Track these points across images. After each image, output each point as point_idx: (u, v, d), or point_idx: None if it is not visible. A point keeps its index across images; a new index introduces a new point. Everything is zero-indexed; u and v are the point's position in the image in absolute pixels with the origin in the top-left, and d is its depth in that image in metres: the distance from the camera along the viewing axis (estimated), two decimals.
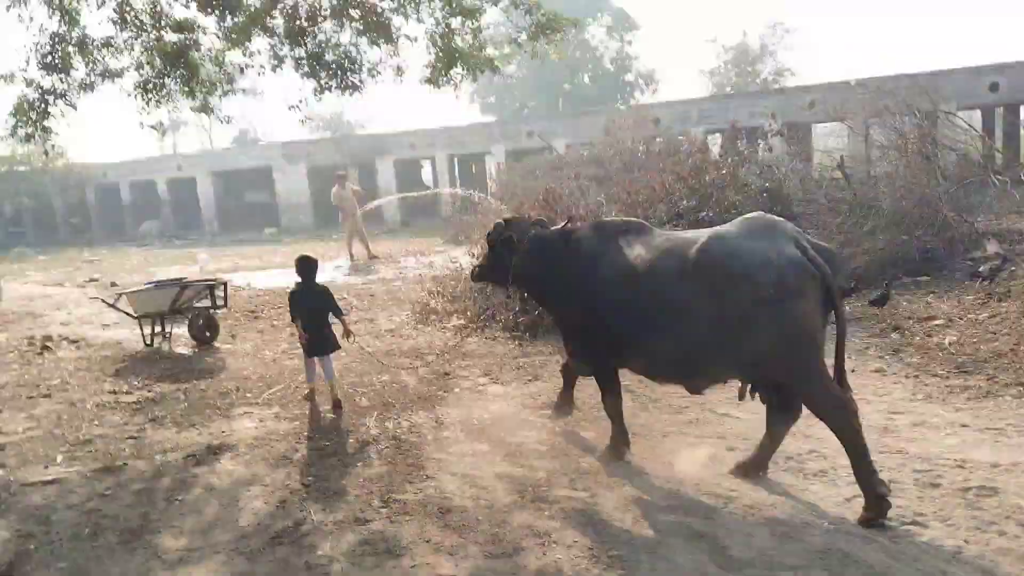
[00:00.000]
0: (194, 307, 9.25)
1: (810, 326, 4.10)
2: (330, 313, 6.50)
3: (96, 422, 6.47)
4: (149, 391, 7.34)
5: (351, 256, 18.07)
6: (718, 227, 4.48)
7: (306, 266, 6.54)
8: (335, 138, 33.85)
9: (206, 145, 47.92)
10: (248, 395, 7.18)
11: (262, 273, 16.26)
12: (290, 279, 15.73)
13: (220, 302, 9.21)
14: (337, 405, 6.43)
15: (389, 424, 6.08)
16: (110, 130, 49.85)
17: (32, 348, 9.08)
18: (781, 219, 4.38)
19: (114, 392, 7.30)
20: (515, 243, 5.29)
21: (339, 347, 6.58)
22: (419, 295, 11.57)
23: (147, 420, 6.50)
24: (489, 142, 27.16)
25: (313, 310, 6.45)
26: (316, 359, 6.53)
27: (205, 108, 9.35)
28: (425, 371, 7.67)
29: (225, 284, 9.28)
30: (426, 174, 33.31)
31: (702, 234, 4.41)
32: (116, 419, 6.53)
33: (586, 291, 4.84)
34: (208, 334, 9.12)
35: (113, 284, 15.13)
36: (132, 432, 6.20)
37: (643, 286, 4.48)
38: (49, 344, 9.22)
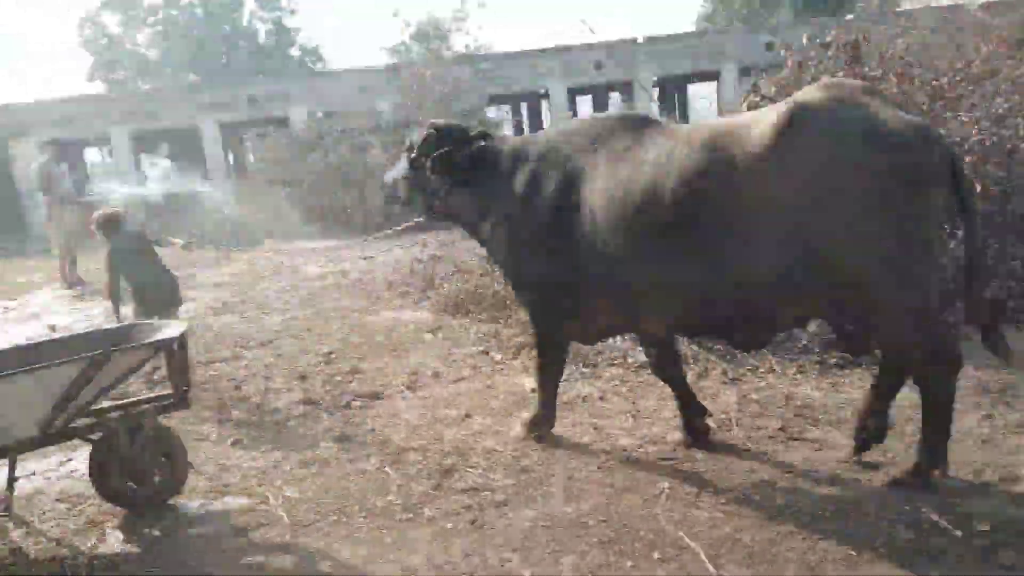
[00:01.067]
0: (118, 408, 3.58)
1: (933, 235, 2.99)
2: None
3: None
4: None
5: (67, 279, 11.21)
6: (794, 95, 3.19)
7: (110, 220, 5.49)
8: None
9: None
10: None
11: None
12: (60, 311, 8.95)
13: (183, 387, 3.66)
14: None
15: None
16: None
17: None
18: (869, 84, 3.36)
19: None
20: (451, 160, 4.01)
21: (182, 301, 5.84)
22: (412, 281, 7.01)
23: None
24: (199, 112, 20.37)
25: (143, 260, 5.44)
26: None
27: None
28: None
29: (183, 336, 3.70)
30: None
31: (775, 107, 3.13)
32: None
33: (565, 219, 3.58)
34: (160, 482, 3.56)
35: None
36: None
37: (667, 200, 3.18)
38: None
